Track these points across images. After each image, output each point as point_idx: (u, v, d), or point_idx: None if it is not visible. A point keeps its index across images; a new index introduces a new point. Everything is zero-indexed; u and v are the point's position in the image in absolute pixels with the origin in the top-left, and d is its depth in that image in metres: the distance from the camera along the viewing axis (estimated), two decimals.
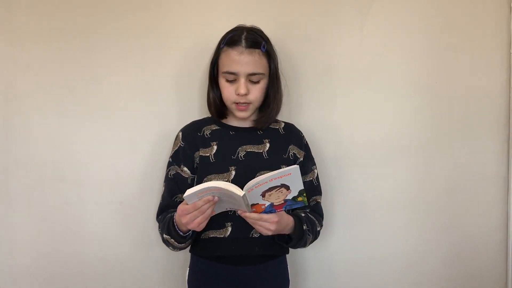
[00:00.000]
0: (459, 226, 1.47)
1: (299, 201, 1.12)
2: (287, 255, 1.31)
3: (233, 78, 1.20)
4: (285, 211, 1.17)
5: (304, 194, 1.11)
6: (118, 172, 1.44)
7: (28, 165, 1.43)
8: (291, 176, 1.05)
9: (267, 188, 1.06)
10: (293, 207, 1.13)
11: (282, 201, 1.11)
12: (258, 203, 1.09)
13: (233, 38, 1.20)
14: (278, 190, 1.07)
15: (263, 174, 1.10)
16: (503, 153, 1.45)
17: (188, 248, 1.25)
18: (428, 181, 1.47)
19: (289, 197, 1.10)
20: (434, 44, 1.43)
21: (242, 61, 1.18)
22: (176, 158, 1.26)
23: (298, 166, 1.05)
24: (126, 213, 1.45)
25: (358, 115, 1.45)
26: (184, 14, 1.42)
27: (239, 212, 1.10)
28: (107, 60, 1.42)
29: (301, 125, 1.36)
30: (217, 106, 1.27)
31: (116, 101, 1.43)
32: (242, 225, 1.16)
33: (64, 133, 1.43)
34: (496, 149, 1.45)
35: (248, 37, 1.19)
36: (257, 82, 1.21)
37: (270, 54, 1.23)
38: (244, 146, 1.25)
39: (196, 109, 1.42)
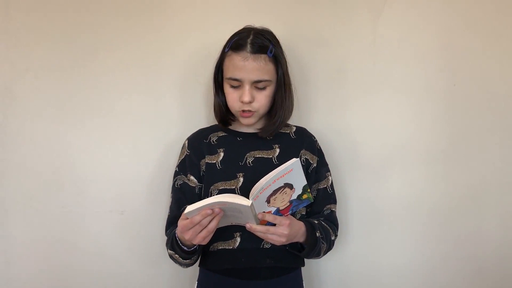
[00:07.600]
0: (480, 237, 1.40)
1: (305, 199, 1.05)
2: (302, 269, 1.23)
3: (238, 84, 1.14)
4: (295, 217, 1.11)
5: (308, 190, 1.04)
6: (120, 180, 1.38)
7: (25, 172, 1.37)
8: (293, 173, 0.98)
9: (271, 191, 0.99)
10: (300, 207, 1.06)
11: (288, 203, 1.04)
12: (264, 212, 1.02)
13: (238, 42, 1.14)
14: (282, 192, 1.01)
15: None
16: None
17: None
18: (446, 189, 1.39)
19: (294, 196, 1.03)
20: (451, 45, 1.37)
21: (246, 67, 1.11)
22: (183, 167, 1.21)
23: (298, 159, 0.98)
24: (128, 223, 1.39)
25: (371, 120, 1.39)
26: (189, 16, 1.36)
27: (247, 226, 1.03)
28: (109, 64, 1.36)
29: (311, 129, 1.29)
30: (222, 112, 1.22)
31: (119, 107, 1.37)
32: (252, 235, 1.07)
33: (63, 139, 1.37)
34: None
35: (254, 41, 1.13)
36: (263, 89, 1.15)
37: (277, 59, 1.16)
38: (252, 152, 1.19)
39: (202, 115, 1.38)
